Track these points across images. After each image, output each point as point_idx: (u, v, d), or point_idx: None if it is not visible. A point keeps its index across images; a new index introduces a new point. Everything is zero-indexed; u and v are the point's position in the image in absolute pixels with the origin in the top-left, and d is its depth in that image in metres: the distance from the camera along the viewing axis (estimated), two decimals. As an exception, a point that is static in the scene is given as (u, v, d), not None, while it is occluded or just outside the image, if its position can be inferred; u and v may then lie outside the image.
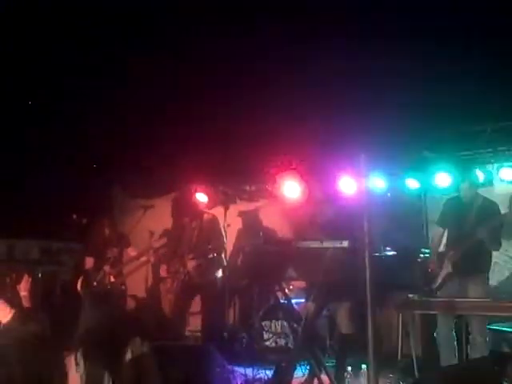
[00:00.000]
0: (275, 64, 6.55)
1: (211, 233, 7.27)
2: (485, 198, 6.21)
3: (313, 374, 5.42)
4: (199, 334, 7.74)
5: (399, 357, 5.93)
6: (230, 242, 7.94)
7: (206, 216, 7.48)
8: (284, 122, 7.03)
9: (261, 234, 8.01)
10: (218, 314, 7.41)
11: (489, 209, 6.08)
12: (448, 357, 5.97)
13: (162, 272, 7.40)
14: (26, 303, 4.86)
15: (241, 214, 8.54)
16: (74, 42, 6.27)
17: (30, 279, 5.06)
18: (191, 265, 7.09)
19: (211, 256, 7.06)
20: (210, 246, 7.15)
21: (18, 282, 5.00)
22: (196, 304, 7.70)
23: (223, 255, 7.43)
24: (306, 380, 5.65)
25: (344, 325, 5.93)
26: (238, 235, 8.40)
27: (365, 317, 3.70)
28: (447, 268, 6.05)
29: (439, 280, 6.07)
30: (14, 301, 4.64)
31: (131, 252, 7.67)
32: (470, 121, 6.78)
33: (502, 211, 6.22)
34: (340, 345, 6.08)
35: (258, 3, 5.74)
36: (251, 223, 8.32)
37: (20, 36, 6.28)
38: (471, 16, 5.76)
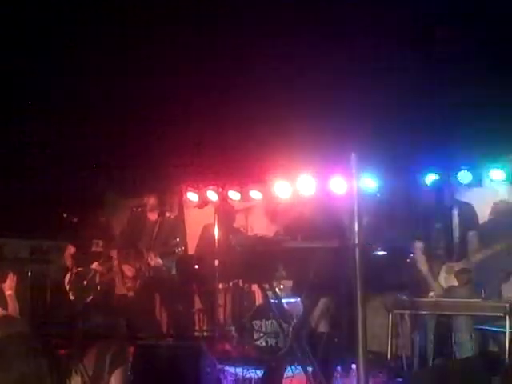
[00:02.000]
0: (266, 63, 6.55)
1: (174, 229, 7.34)
2: (461, 202, 6.35)
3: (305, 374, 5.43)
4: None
5: (389, 356, 5.95)
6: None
7: (168, 214, 7.54)
8: (275, 121, 7.04)
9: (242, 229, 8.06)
10: (175, 313, 7.52)
11: (467, 212, 6.22)
12: (424, 356, 6.04)
13: (127, 271, 7.37)
14: (10, 302, 4.84)
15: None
16: (67, 38, 6.23)
17: (16, 278, 5.04)
18: (155, 261, 7.14)
19: (178, 250, 7.11)
20: (177, 240, 7.20)
21: (3, 280, 4.98)
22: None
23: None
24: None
25: (334, 324, 5.95)
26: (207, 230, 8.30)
27: (354, 316, 3.71)
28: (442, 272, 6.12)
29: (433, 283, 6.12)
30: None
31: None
32: (461, 121, 6.80)
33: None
34: (330, 344, 6.10)
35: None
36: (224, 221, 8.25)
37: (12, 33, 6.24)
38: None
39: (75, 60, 6.46)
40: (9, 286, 4.98)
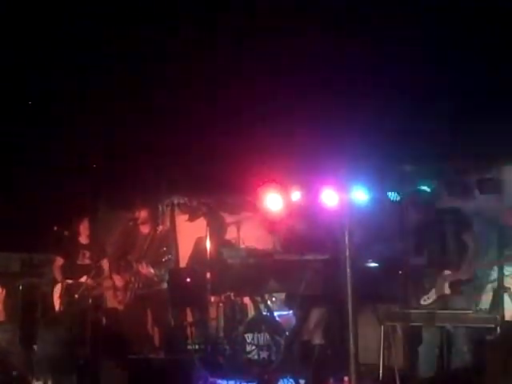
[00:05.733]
0: (259, 77, 6.57)
1: (165, 242, 7.37)
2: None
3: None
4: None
5: (381, 369, 5.94)
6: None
7: (160, 227, 7.57)
8: (266, 134, 7.05)
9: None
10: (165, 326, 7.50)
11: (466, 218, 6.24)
12: (428, 368, 6.03)
13: (118, 282, 7.37)
14: (0, 316, 4.82)
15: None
16: (68, 43, 6.20)
17: (6, 292, 5.01)
18: (147, 271, 7.14)
19: (165, 259, 7.14)
20: (164, 249, 7.23)
21: (-8, 294, 4.96)
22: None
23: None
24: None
25: (326, 336, 5.95)
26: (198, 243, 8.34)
27: (346, 329, 3.72)
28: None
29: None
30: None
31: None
32: (452, 132, 6.83)
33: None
34: (322, 356, 6.09)
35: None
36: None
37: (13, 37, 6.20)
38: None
39: (74, 62, 6.43)
40: None
